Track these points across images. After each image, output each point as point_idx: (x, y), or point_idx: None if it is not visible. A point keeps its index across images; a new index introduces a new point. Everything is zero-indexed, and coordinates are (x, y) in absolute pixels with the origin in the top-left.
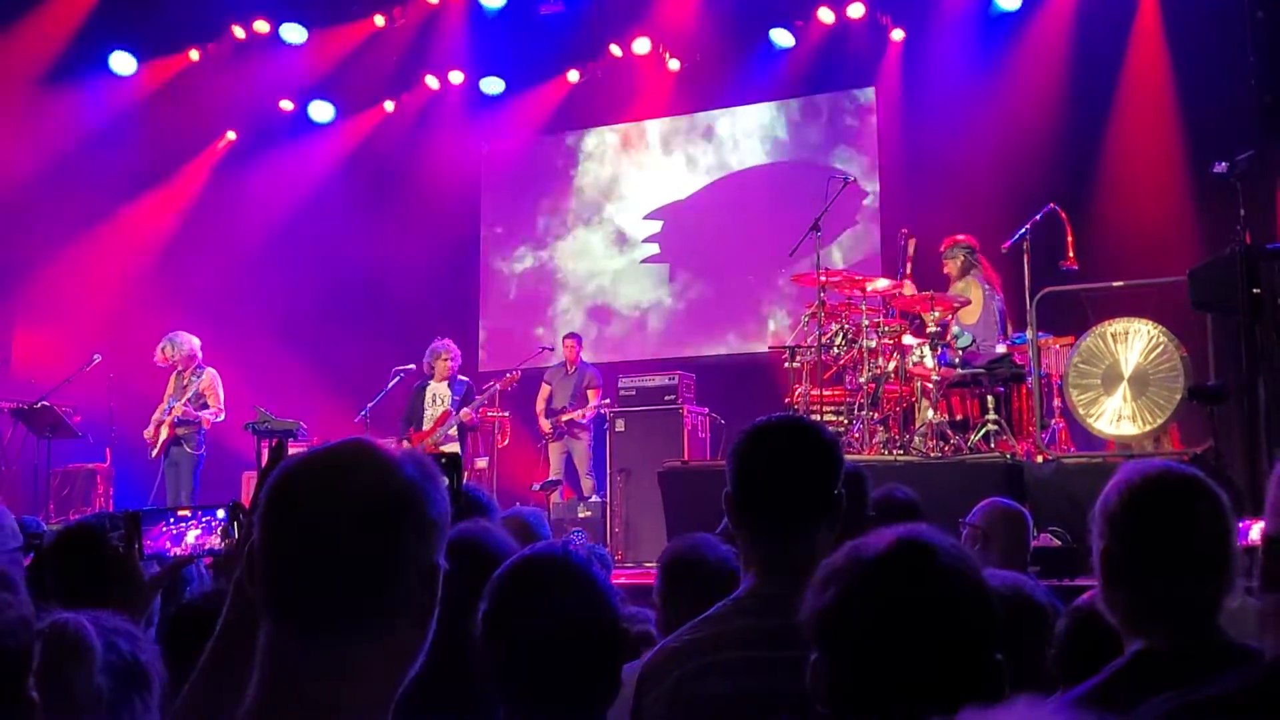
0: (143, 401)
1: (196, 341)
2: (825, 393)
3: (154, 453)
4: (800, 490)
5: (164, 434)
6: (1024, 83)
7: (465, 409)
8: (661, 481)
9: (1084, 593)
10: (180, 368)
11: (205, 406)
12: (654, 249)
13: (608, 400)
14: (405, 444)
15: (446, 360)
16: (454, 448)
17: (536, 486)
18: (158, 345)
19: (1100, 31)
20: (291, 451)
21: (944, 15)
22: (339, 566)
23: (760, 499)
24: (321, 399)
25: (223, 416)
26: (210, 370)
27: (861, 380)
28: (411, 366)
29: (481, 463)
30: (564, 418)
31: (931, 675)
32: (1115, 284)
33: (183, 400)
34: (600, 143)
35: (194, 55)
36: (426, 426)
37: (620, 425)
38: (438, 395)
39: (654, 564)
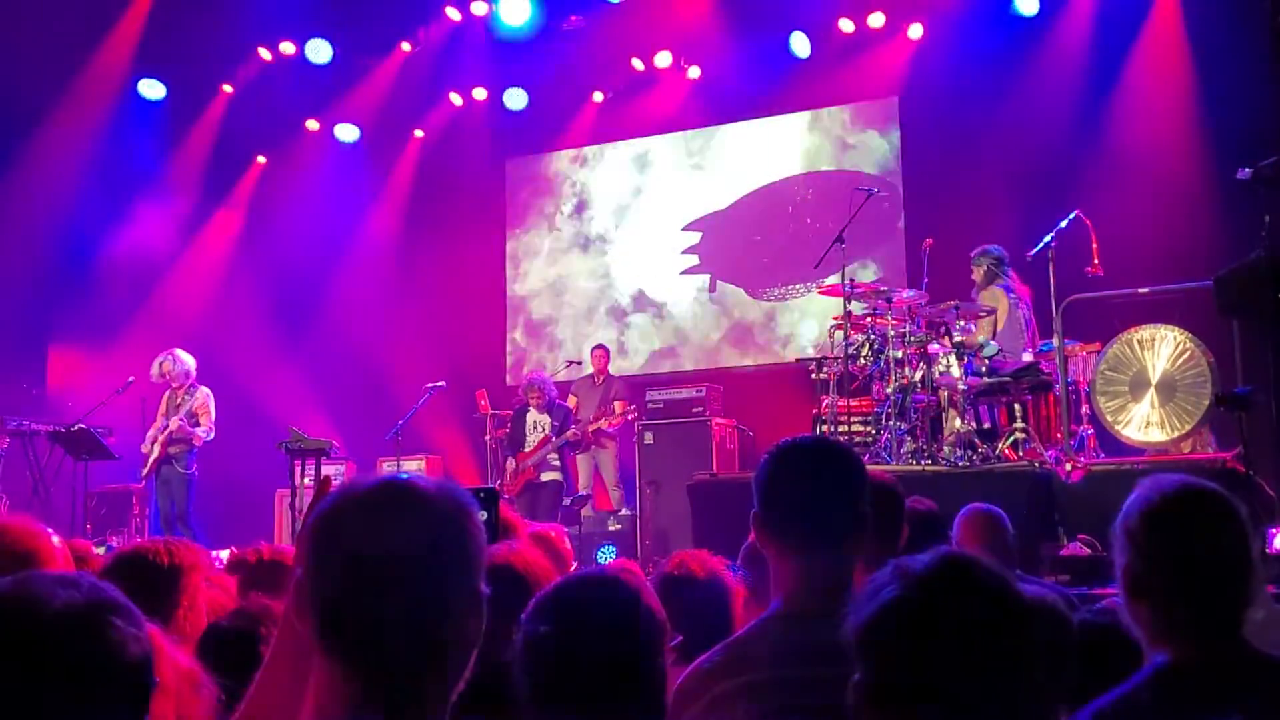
0: None
1: (193, 361)
2: (852, 403)
3: (144, 472)
4: (826, 509)
5: (155, 452)
6: (1046, 90)
7: (562, 436)
8: (691, 494)
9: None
10: (175, 385)
11: (197, 424)
12: (693, 260)
13: (634, 408)
14: (514, 460)
15: (535, 394)
16: (554, 474)
17: (567, 501)
18: (157, 362)
19: (1121, 37)
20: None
21: (965, 22)
22: (386, 605)
23: (787, 519)
24: (353, 417)
25: (212, 435)
26: (204, 389)
27: (889, 390)
28: (442, 384)
29: (509, 467)
30: (591, 427)
31: (973, 692)
32: (1141, 290)
33: (178, 416)
34: (624, 156)
35: (228, 89)
36: (528, 449)
37: (649, 438)
38: (538, 423)
39: None
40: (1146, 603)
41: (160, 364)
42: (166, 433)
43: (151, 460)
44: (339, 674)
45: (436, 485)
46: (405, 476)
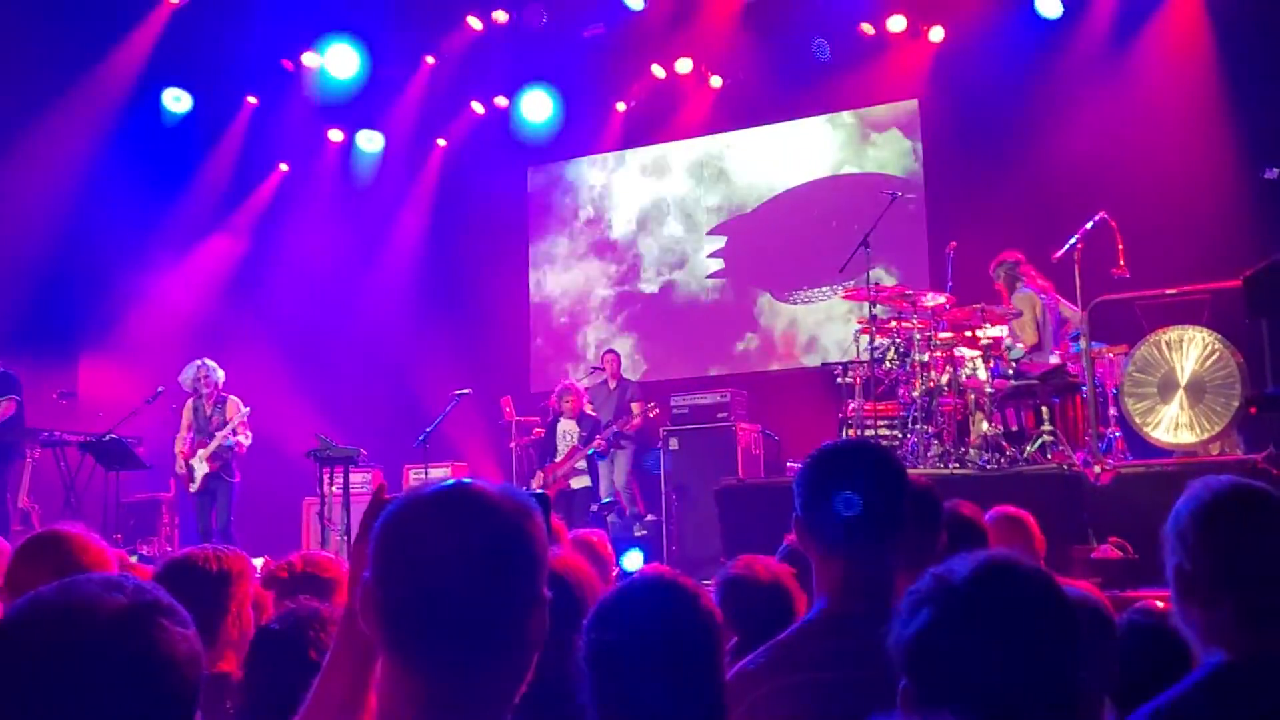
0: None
1: (222, 373)
2: (878, 406)
3: (194, 487)
4: (868, 511)
5: (204, 468)
6: (1069, 90)
7: (588, 445)
8: (718, 499)
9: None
10: (204, 393)
11: (235, 434)
12: (718, 264)
13: (653, 405)
14: (540, 475)
15: (569, 400)
16: (584, 480)
17: (595, 508)
18: (190, 367)
19: (1146, 37)
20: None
21: (986, 25)
22: (452, 606)
23: (830, 521)
24: (381, 424)
25: (249, 440)
26: (233, 398)
27: (914, 394)
28: (468, 391)
29: (536, 482)
30: (609, 431)
31: (1020, 695)
32: (1168, 291)
33: (224, 433)
34: (646, 161)
35: (252, 100)
36: (559, 459)
37: (674, 444)
38: (567, 432)
39: (709, 582)
40: (1199, 603)
41: (195, 370)
42: (213, 448)
43: (202, 475)
44: (404, 674)
45: (500, 489)
46: (469, 481)
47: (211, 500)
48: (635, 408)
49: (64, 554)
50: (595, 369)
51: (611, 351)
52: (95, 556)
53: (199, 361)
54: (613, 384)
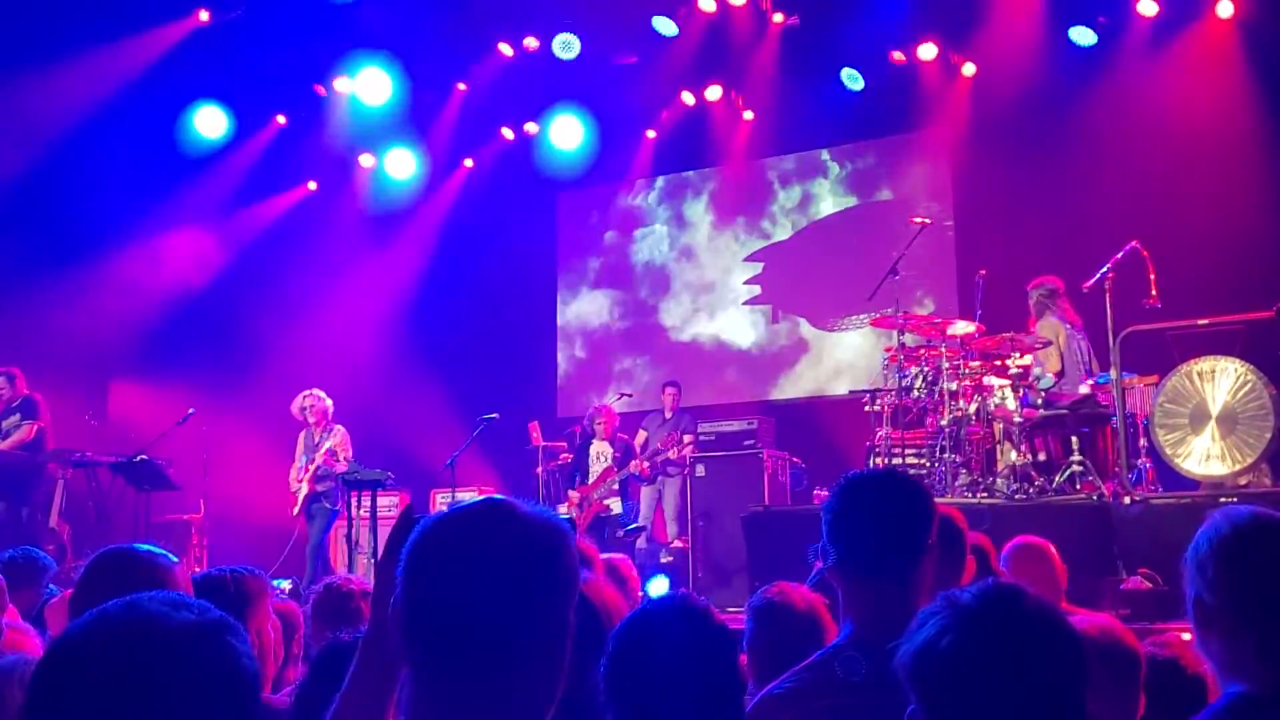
0: (235, 452)
1: (330, 401)
2: (906, 435)
3: (295, 510)
4: (895, 540)
5: (304, 490)
6: (1101, 117)
7: (624, 469)
8: (745, 526)
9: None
10: (313, 422)
11: (337, 460)
12: (755, 290)
13: (713, 437)
14: (572, 494)
15: (601, 423)
16: (616, 501)
17: (621, 533)
18: (300, 396)
19: (1180, 66)
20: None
21: (1019, 52)
22: (484, 626)
23: (856, 550)
24: (408, 448)
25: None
26: (340, 427)
27: (943, 423)
28: (495, 415)
29: (563, 508)
30: (659, 457)
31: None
32: (1200, 322)
33: (321, 453)
34: (677, 188)
35: (281, 120)
36: (591, 480)
37: (701, 470)
38: (601, 453)
39: (736, 609)
40: (1219, 635)
41: (303, 400)
42: (313, 469)
43: (302, 497)
44: (429, 693)
45: (534, 510)
46: (502, 499)
47: (310, 524)
48: (686, 438)
49: (140, 574)
50: (623, 394)
51: (673, 384)
52: (165, 579)
53: (307, 391)
54: (669, 414)
